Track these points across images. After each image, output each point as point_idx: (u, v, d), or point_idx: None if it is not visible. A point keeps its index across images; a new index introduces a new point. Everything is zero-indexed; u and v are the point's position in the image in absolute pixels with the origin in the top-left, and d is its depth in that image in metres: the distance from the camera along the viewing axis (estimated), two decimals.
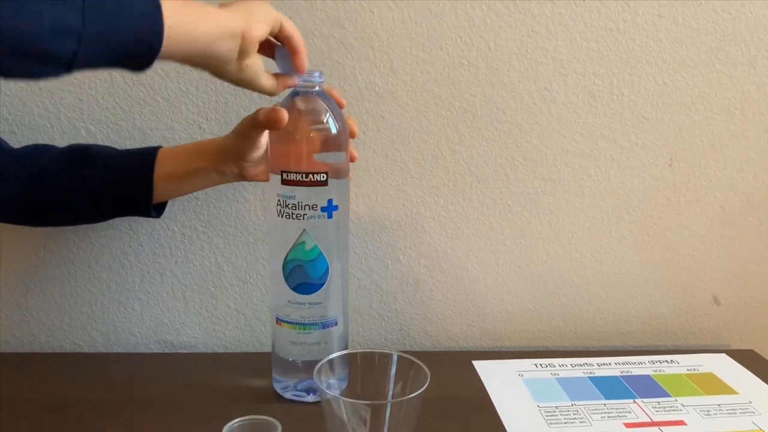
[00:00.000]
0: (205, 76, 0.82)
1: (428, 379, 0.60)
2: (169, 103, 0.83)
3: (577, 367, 0.85)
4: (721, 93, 0.89)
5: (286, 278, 0.71)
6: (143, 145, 0.83)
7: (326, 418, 0.60)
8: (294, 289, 0.71)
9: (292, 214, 0.69)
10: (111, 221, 0.84)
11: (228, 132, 0.73)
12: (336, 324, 0.73)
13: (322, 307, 0.71)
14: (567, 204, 0.91)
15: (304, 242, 0.70)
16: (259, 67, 0.62)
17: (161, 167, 0.73)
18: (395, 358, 0.64)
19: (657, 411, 0.75)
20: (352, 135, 0.73)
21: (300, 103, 0.69)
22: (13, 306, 0.87)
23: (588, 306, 0.95)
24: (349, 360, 0.67)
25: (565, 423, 0.72)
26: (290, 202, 0.69)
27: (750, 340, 0.98)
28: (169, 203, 0.81)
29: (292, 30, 0.63)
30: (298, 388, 0.74)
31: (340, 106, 0.71)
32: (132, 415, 0.71)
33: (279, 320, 0.72)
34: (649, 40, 0.86)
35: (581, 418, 0.73)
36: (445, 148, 0.87)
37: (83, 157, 0.73)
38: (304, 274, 0.70)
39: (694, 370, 0.85)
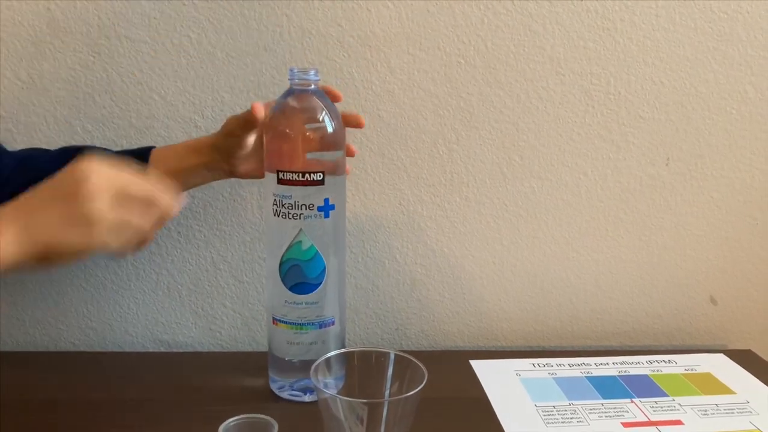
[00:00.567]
0: (202, 74, 0.82)
1: (425, 378, 0.59)
2: (165, 101, 0.83)
3: (574, 367, 0.85)
4: (718, 93, 0.89)
5: (283, 278, 0.71)
6: (139, 143, 0.83)
7: (323, 417, 0.60)
8: (291, 288, 0.70)
9: (289, 213, 0.69)
10: None
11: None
12: (333, 324, 0.73)
13: (318, 307, 0.71)
14: (564, 203, 0.91)
15: (300, 242, 0.69)
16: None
17: (154, 165, 0.73)
18: (392, 357, 0.64)
19: (654, 411, 0.75)
20: (360, 125, 0.74)
21: (295, 102, 0.69)
22: (9, 304, 0.87)
23: (585, 306, 0.95)
24: (346, 359, 0.67)
25: (562, 422, 0.72)
26: (286, 201, 0.68)
27: (747, 340, 0.98)
28: None
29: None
30: (295, 387, 0.73)
31: (336, 99, 0.71)
32: (127, 414, 0.71)
33: (275, 320, 0.72)
34: (646, 39, 0.86)
35: (579, 418, 0.73)
36: (442, 147, 0.87)
37: (78, 155, 0.73)
38: (300, 274, 0.70)
39: (692, 369, 0.85)
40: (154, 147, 0.76)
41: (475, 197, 0.89)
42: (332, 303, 0.72)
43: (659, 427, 0.72)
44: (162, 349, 0.90)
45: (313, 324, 0.71)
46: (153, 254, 0.87)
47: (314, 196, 0.68)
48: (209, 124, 0.84)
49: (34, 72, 0.81)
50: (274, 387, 0.75)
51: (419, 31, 0.83)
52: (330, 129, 0.69)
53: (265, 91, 0.83)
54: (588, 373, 0.84)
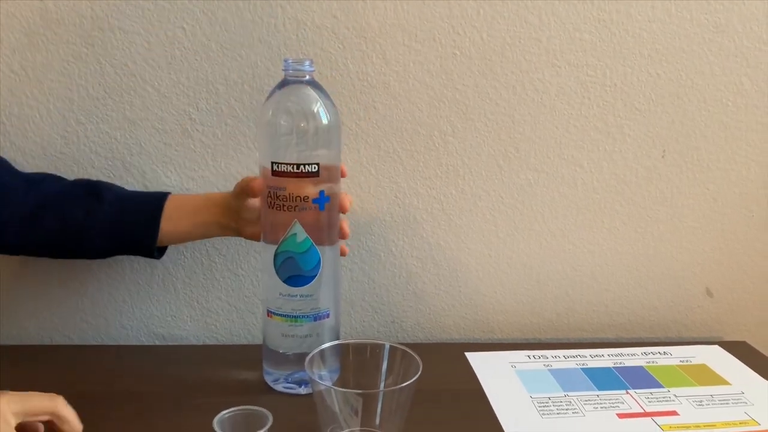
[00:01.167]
0: (196, 66, 0.82)
1: (420, 369, 0.59)
2: (159, 94, 0.82)
3: (569, 359, 0.85)
4: (714, 84, 0.89)
5: (278, 270, 0.70)
6: (133, 136, 0.83)
7: (318, 409, 0.60)
8: (285, 281, 0.70)
9: (283, 205, 0.69)
10: None
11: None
12: (328, 316, 0.72)
13: (313, 299, 0.71)
14: (560, 195, 0.90)
15: (295, 234, 0.69)
16: None
17: (169, 213, 0.74)
18: (387, 348, 0.64)
19: (650, 402, 0.75)
20: (343, 209, 0.73)
21: (290, 93, 0.68)
22: (4, 298, 0.87)
23: (580, 297, 0.95)
24: (341, 351, 0.67)
25: (557, 414, 0.72)
26: (281, 193, 0.68)
27: (742, 331, 0.98)
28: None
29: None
30: (289, 380, 0.73)
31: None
32: (122, 407, 0.71)
33: (270, 312, 0.72)
34: (642, 31, 0.86)
35: (574, 409, 0.73)
36: (438, 139, 0.87)
37: (93, 190, 0.75)
38: (295, 266, 0.70)
39: (687, 361, 0.86)
40: (169, 193, 0.76)
41: (471, 189, 0.89)
42: (327, 295, 0.72)
43: (654, 418, 0.72)
44: (157, 342, 0.90)
45: (307, 316, 0.71)
46: None
47: (309, 188, 0.68)
48: (203, 117, 0.83)
49: (27, 64, 0.80)
50: (268, 379, 0.75)
51: (415, 22, 0.83)
52: (325, 121, 0.68)
53: (259, 82, 0.82)
54: (583, 364, 0.84)
